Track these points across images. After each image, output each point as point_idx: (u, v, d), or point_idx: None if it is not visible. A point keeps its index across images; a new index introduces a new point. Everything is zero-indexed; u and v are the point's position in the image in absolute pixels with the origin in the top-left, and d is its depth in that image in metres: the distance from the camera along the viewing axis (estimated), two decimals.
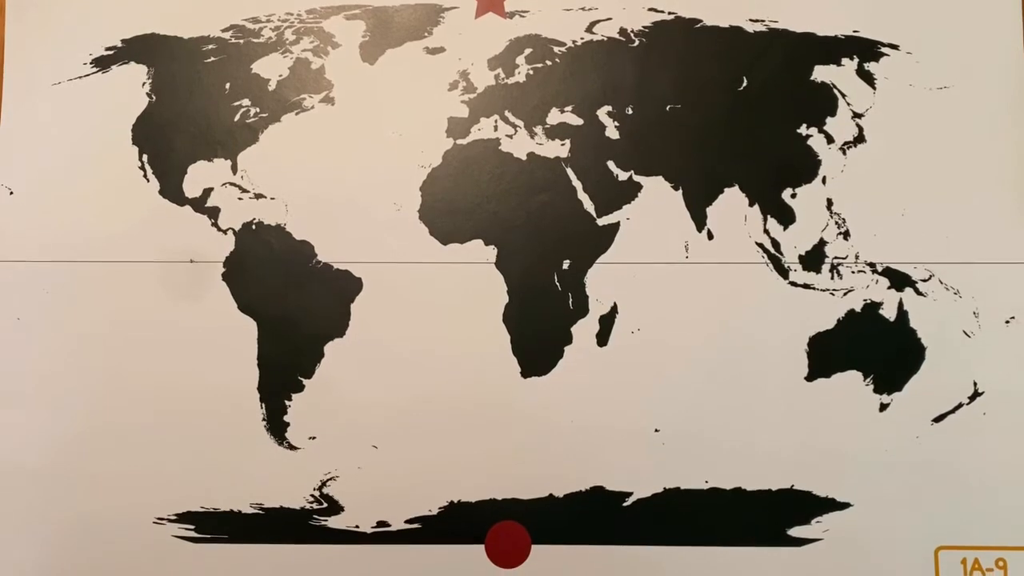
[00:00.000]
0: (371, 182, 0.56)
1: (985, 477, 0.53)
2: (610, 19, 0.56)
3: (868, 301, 0.55)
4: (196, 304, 0.55)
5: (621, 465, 0.54)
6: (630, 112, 0.56)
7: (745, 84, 0.56)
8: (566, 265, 0.55)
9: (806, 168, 0.56)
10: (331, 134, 0.56)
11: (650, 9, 0.56)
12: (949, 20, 0.56)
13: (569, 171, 0.56)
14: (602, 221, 0.55)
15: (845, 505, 0.53)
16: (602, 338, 0.55)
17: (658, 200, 0.55)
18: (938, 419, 0.54)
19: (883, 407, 0.54)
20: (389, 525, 0.54)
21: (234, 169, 0.56)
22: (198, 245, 0.56)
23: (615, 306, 0.55)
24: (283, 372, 0.55)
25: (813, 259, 0.55)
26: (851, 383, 0.54)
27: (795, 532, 0.53)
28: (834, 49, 0.56)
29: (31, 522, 0.54)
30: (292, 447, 0.54)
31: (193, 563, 0.54)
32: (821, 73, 0.56)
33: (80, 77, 0.57)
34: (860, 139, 0.56)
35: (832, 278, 0.55)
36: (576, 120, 0.56)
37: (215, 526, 0.54)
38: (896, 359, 0.54)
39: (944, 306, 0.54)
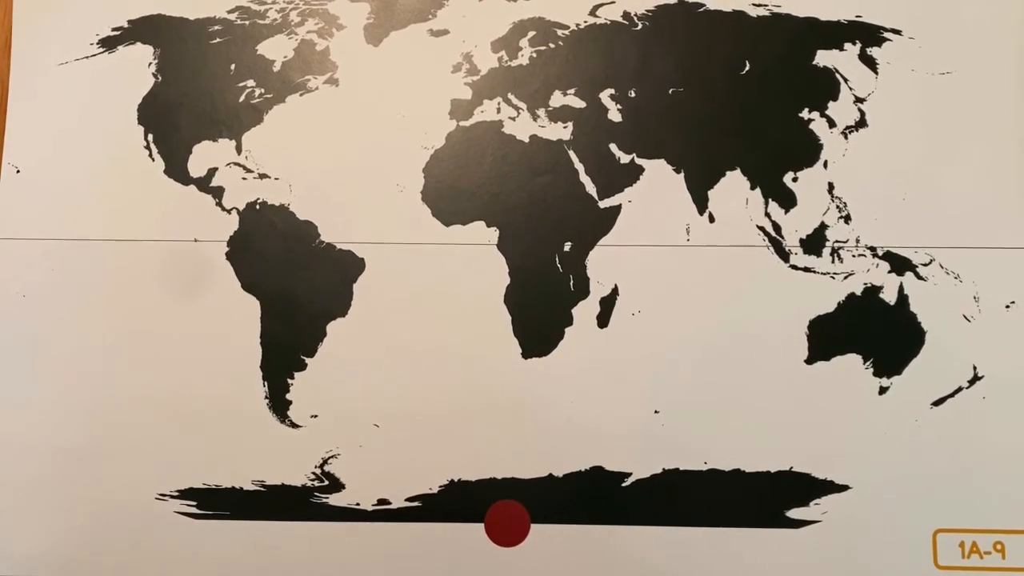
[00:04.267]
0: (374, 163, 0.56)
1: (984, 461, 0.53)
2: (613, 2, 0.57)
3: (868, 285, 0.55)
4: (199, 283, 0.56)
5: (620, 446, 0.54)
6: (632, 95, 0.56)
7: (747, 68, 0.56)
8: (567, 247, 0.55)
9: (808, 152, 0.56)
10: (335, 115, 0.57)
11: None
12: (952, 6, 0.56)
13: (571, 153, 0.56)
14: (604, 203, 0.56)
15: (844, 488, 0.54)
16: (603, 320, 0.55)
17: (660, 183, 0.56)
18: (937, 403, 0.54)
19: (883, 390, 0.54)
20: (390, 503, 0.54)
21: (238, 149, 0.56)
22: (202, 224, 0.56)
23: (616, 288, 0.55)
24: (286, 351, 0.55)
25: (814, 243, 0.55)
26: (851, 366, 0.54)
27: (793, 514, 0.53)
28: (836, 34, 0.56)
29: (34, 498, 0.55)
30: (294, 425, 0.55)
31: (195, 539, 0.54)
32: (823, 58, 0.56)
33: (87, 57, 0.57)
34: (862, 123, 0.56)
35: (833, 262, 0.55)
36: (579, 103, 0.56)
37: (217, 503, 0.54)
38: (896, 343, 0.54)
39: (944, 290, 0.55)
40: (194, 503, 0.54)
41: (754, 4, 0.56)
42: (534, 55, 0.57)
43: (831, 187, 0.55)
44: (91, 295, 0.55)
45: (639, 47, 0.56)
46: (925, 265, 0.55)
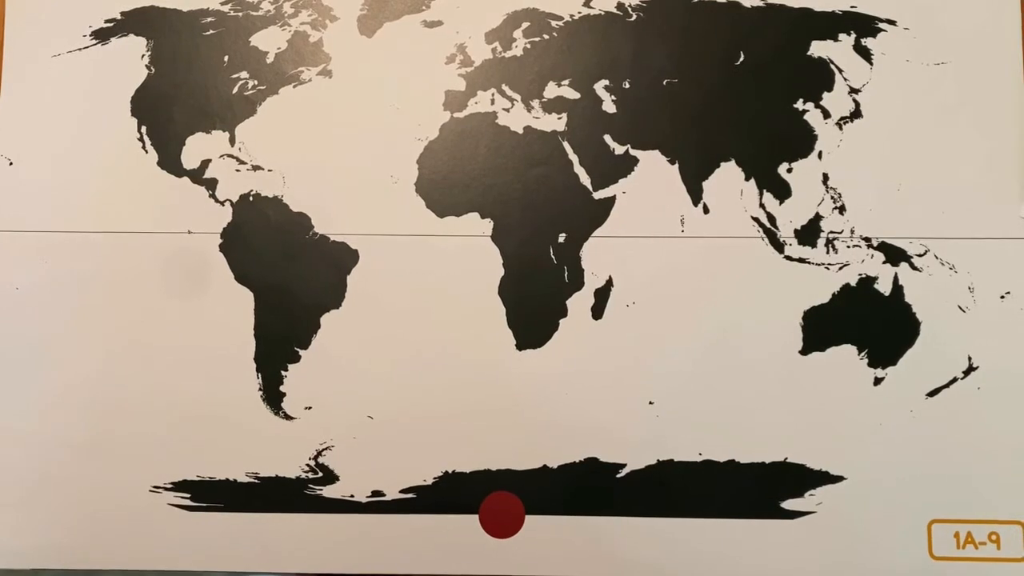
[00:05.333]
0: (368, 155, 0.56)
1: (979, 451, 0.53)
2: None
3: (863, 275, 0.55)
4: (193, 275, 0.55)
5: (615, 437, 0.54)
6: (627, 86, 0.56)
7: (742, 59, 0.56)
8: (562, 238, 0.55)
9: (802, 143, 0.56)
10: (329, 107, 0.56)
11: None
12: None
13: (566, 145, 0.56)
14: (598, 195, 0.56)
15: (839, 478, 0.53)
16: (597, 311, 0.55)
17: (654, 174, 0.56)
18: (932, 393, 0.54)
19: (877, 381, 0.54)
20: (384, 495, 0.54)
21: (232, 141, 0.56)
22: (195, 216, 0.56)
23: (610, 279, 0.55)
24: (279, 343, 0.55)
25: (809, 233, 0.55)
26: (846, 357, 0.54)
27: (788, 505, 0.53)
28: (831, 25, 0.56)
29: (29, 489, 0.54)
30: (288, 417, 0.55)
31: (188, 531, 0.54)
32: (818, 48, 0.56)
33: (80, 49, 0.57)
34: (857, 114, 0.56)
35: (827, 252, 0.55)
36: (573, 94, 0.56)
37: (211, 495, 0.54)
38: (891, 333, 0.54)
39: (939, 281, 0.54)
40: (188, 495, 0.54)
41: None
42: (528, 46, 0.56)
43: (826, 178, 0.55)
44: (84, 287, 0.55)
45: (633, 38, 0.56)
46: (920, 256, 0.55)
